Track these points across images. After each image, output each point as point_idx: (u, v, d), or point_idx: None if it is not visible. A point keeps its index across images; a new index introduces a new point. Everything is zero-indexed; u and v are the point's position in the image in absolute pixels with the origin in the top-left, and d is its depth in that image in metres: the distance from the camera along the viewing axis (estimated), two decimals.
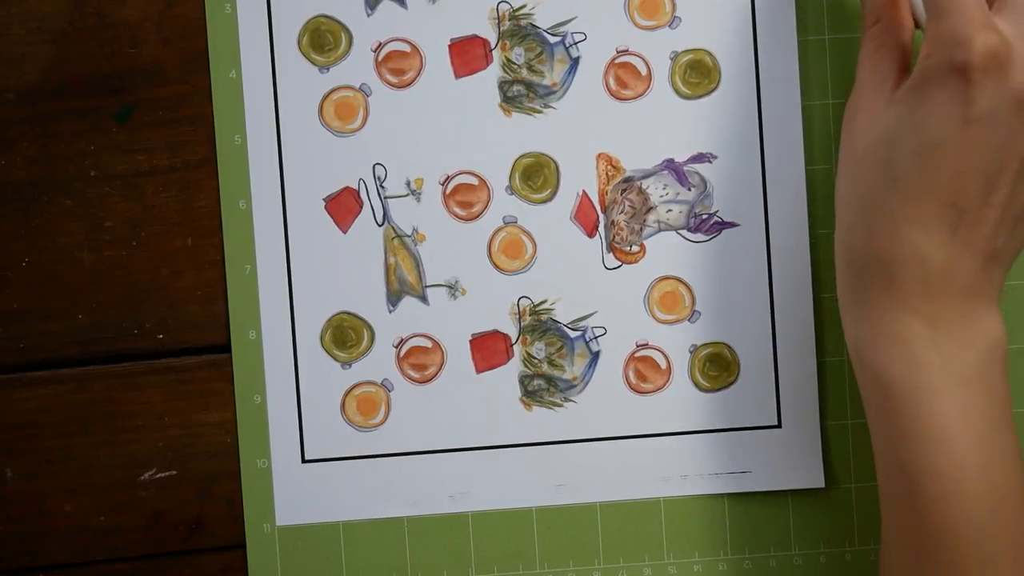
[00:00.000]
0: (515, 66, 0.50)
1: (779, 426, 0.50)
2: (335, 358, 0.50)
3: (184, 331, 0.51)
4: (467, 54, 0.50)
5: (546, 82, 0.50)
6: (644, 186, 0.50)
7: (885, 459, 0.44)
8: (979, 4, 0.42)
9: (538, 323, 0.51)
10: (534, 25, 0.50)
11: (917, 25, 0.46)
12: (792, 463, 0.50)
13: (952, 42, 0.41)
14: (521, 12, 0.50)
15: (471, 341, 0.51)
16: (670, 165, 0.50)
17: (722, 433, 0.50)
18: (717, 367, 0.50)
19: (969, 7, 0.41)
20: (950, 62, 0.41)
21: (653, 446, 0.51)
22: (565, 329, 0.51)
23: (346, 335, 0.50)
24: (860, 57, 0.46)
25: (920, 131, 0.42)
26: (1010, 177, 0.42)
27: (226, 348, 0.51)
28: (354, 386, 0.51)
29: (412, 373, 0.51)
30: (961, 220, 0.42)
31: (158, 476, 0.51)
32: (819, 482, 0.50)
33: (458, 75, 0.50)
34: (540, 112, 0.50)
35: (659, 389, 0.51)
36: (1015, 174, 0.42)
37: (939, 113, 0.42)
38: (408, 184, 0.50)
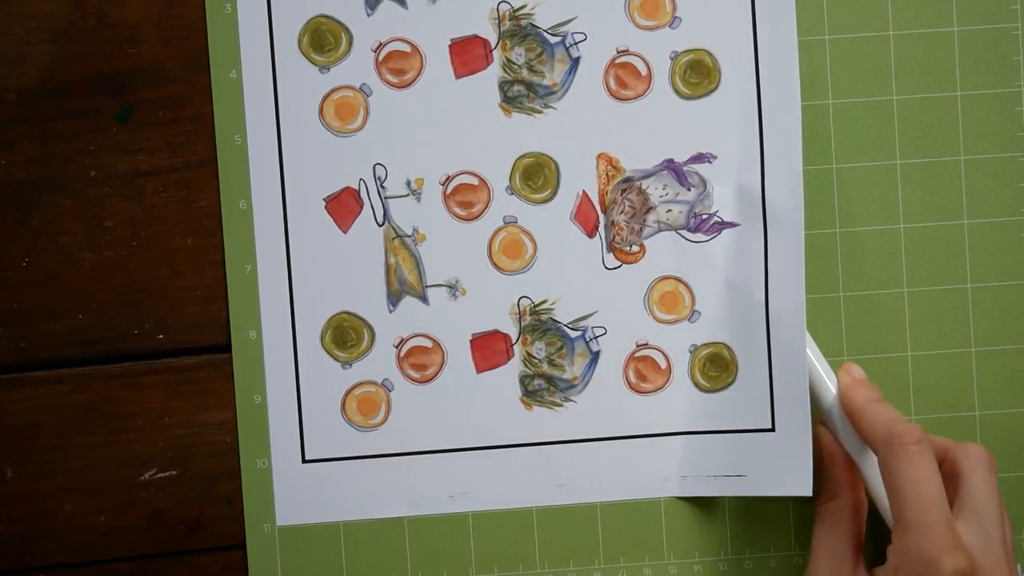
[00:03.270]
0: (515, 66, 0.50)
1: (773, 430, 0.50)
2: (335, 358, 0.50)
3: (184, 331, 0.51)
4: (467, 54, 0.50)
5: (546, 82, 0.50)
6: (644, 186, 0.50)
7: None
8: (945, 520, 0.43)
9: (538, 323, 0.51)
10: (534, 25, 0.50)
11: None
12: (783, 468, 0.49)
13: (921, 562, 0.43)
14: (521, 12, 0.50)
15: (471, 341, 0.51)
16: (670, 165, 0.50)
17: (720, 435, 0.50)
18: (717, 367, 0.50)
19: (937, 526, 0.43)
20: None
21: (653, 446, 0.51)
22: (565, 329, 0.51)
23: (346, 335, 0.50)
24: (815, 533, 0.48)
25: None
26: None
27: (226, 348, 0.51)
28: (354, 386, 0.51)
29: (412, 373, 0.51)
30: None
31: (158, 476, 0.51)
32: (807, 490, 0.49)
33: (458, 75, 0.50)
34: (540, 112, 0.50)
35: (659, 389, 0.51)
36: None
37: None
38: (408, 184, 0.50)
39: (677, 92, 0.50)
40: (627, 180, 0.50)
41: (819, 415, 0.49)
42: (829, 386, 0.48)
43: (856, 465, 0.48)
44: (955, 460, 0.47)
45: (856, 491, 0.48)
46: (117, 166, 0.50)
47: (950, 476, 0.46)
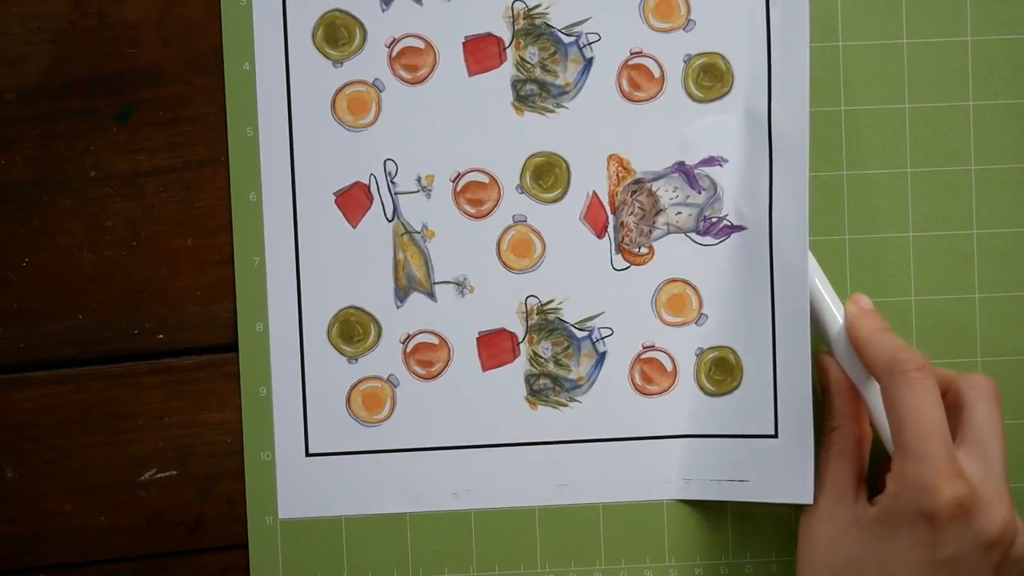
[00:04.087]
0: (528, 65, 0.50)
1: (775, 436, 0.50)
2: (342, 352, 0.50)
3: (184, 331, 0.51)
4: (481, 52, 0.50)
5: (559, 82, 0.50)
6: (654, 188, 0.50)
7: None
8: (946, 448, 0.43)
9: (545, 322, 0.51)
10: (548, 24, 0.50)
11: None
12: (785, 475, 0.49)
13: (920, 488, 0.43)
14: (536, 11, 0.50)
15: (478, 339, 0.51)
16: (681, 168, 0.50)
17: (724, 439, 0.50)
18: (722, 371, 0.50)
19: (937, 453, 0.43)
20: (918, 507, 0.43)
21: (657, 448, 0.51)
22: (572, 329, 0.51)
23: (353, 330, 0.50)
24: (819, 460, 0.48)
25: (886, 566, 0.44)
26: None
27: (226, 347, 0.51)
28: (360, 381, 0.51)
29: (418, 369, 0.51)
30: None
31: (158, 476, 0.51)
32: (808, 498, 0.48)
33: (471, 73, 0.50)
34: (552, 112, 0.50)
35: (665, 391, 0.51)
36: None
37: (906, 553, 0.44)
38: (419, 180, 0.50)
39: (690, 95, 0.50)
40: (637, 182, 0.50)
41: (825, 345, 0.49)
42: (836, 316, 0.48)
43: (861, 395, 0.48)
44: (959, 390, 0.47)
45: (860, 422, 0.48)
46: (117, 166, 0.50)
47: (953, 406, 0.46)
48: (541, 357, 0.51)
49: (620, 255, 0.51)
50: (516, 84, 0.50)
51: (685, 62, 0.50)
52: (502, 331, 0.51)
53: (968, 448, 0.45)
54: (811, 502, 0.48)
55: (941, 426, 0.44)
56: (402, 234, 0.50)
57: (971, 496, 0.43)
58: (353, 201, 0.50)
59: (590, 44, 0.50)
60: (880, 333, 0.47)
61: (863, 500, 0.47)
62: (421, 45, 0.50)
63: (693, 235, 0.50)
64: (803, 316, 0.48)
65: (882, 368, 0.45)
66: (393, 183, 0.50)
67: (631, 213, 0.51)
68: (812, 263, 0.49)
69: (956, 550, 0.43)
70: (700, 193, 0.50)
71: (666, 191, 0.50)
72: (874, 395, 0.47)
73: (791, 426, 0.49)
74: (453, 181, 0.50)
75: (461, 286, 0.51)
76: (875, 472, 0.49)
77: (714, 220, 0.50)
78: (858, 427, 0.48)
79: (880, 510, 0.45)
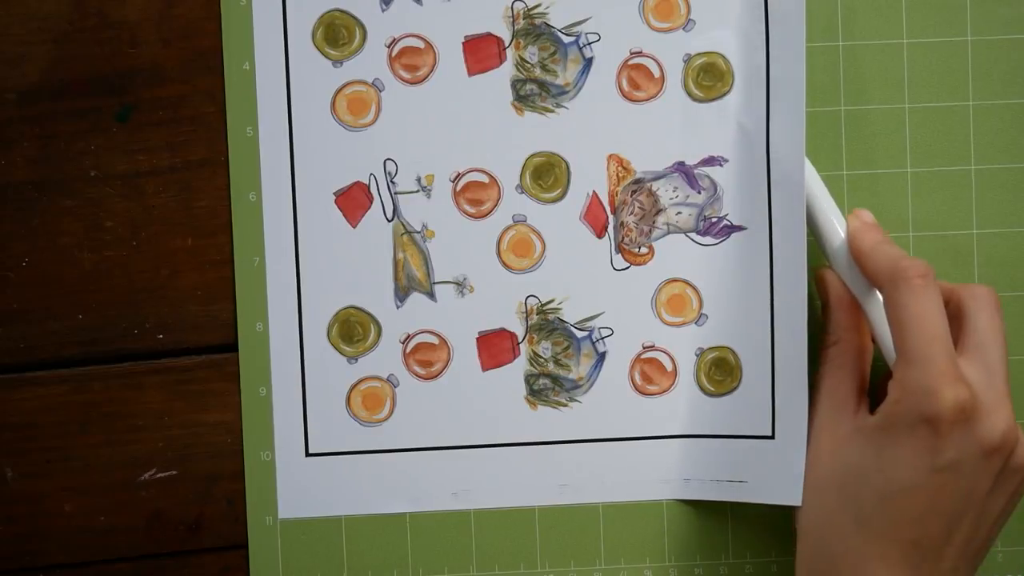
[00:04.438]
0: (528, 65, 0.50)
1: (772, 437, 0.49)
2: (342, 352, 0.50)
3: (184, 331, 0.51)
4: (481, 52, 0.50)
5: (559, 82, 0.50)
6: (654, 188, 0.50)
7: None
8: (948, 353, 0.43)
9: (545, 322, 0.51)
10: (548, 24, 0.50)
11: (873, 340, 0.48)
12: (779, 477, 0.49)
13: (921, 393, 0.43)
14: (536, 11, 0.50)
15: (478, 339, 0.51)
16: (681, 168, 0.50)
17: (723, 440, 0.50)
18: (722, 371, 0.50)
19: (939, 358, 0.43)
20: (919, 412, 0.43)
21: (657, 448, 0.51)
22: (572, 329, 0.51)
23: (353, 330, 0.50)
24: (819, 374, 0.48)
25: (887, 473, 0.44)
26: (972, 518, 0.44)
27: (226, 347, 0.51)
28: (360, 381, 0.51)
29: (418, 369, 0.51)
30: (924, 558, 0.44)
31: (158, 476, 0.51)
32: (796, 500, 0.48)
33: (471, 72, 0.50)
34: (552, 112, 0.50)
35: (664, 391, 0.51)
36: (976, 515, 0.44)
37: (907, 459, 0.44)
38: (418, 180, 0.50)
39: (690, 95, 0.50)
40: (637, 181, 0.50)
41: (826, 260, 0.48)
42: (838, 229, 0.48)
43: (862, 308, 0.47)
44: (960, 300, 0.46)
45: (861, 335, 0.48)
46: (117, 166, 0.50)
47: (955, 317, 0.46)
48: (541, 357, 0.51)
49: (620, 255, 0.51)
50: (516, 84, 0.50)
51: (685, 62, 0.50)
52: (502, 331, 0.51)
53: (970, 356, 0.45)
54: (799, 504, 0.48)
55: (943, 332, 0.43)
56: (402, 234, 0.50)
57: (973, 401, 0.43)
58: (353, 201, 0.50)
59: (590, 44, 0.50)
60: (882, 244, 0.46)
61: (864, 411, 0.47)
62: (421, 45, 0.50)
63: (693, 235, 0.50)
64: (801, 317, 0.48)
65: (885, 276, 0.45)
66: (393, 183, 0.50)
67: (631, 213, 0.51)
68: (814, 177, 0.48)
69: (957, 455, 0.43)
70: (700, 193, 0.50)
71: (666, 191, 0.50)
72: (875, 308, 0.47)
73: (788, 427, 0.49)
74: (453, 181, 0.50)
75: (461, 286, 0.51)
76: (876, 394, 0.48)
77: (714, 220, 0.50)
78: (859, 340, 0.48)
79: (881, 417, 0.45)
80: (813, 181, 0.48)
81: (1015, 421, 0.44)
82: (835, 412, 0.47)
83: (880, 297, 0.46)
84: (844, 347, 0.48)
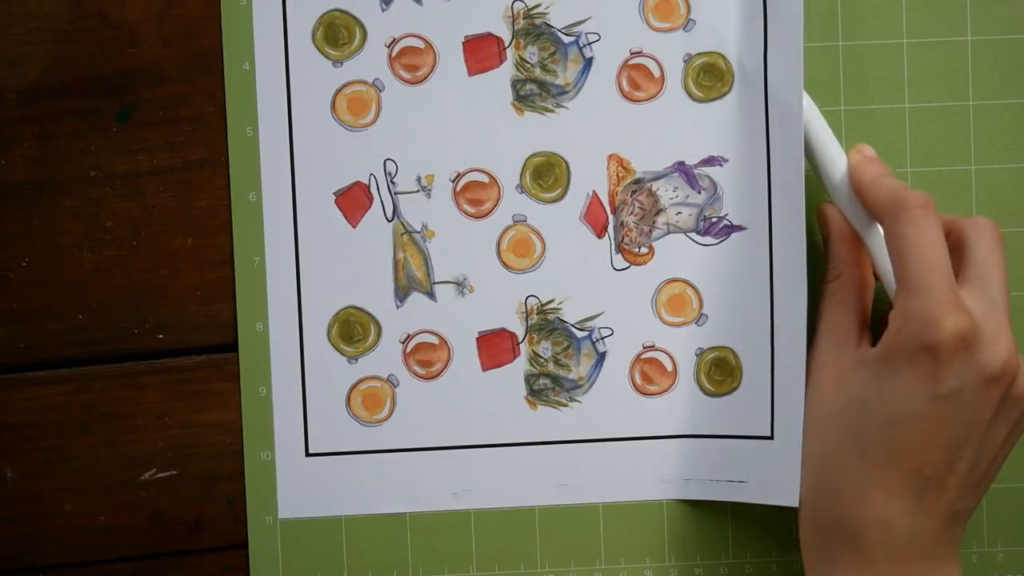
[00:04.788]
0: (528, 65, 0.50)
1: (771, 437, 0.49)
2: (342, 352, 0.50)
3: (184, 331, 0.51)
4: (481, 52, 0.50)
5: (559, 82, 0.50)
6: (654, 188, 0.50)
7: None
8: (948, 282, 0.43)
9: (545, 322, 0.51)
10: (548, 24, 0.50)
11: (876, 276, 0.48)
12: (778, 478, 0.49)
13: (922, 321, 0.43)
14: (536, 11, 0.50)
15: (478, 339, 0.51)
16: (681, 167, 0.50)
17: (723, 440, 0.50)
18: (722, 372, 0.50)
19: (939, 287, 0.43)
20: (920, 341, 0.43)
21: (657, 448, 0.51)
22: (572, 329, 0.51)
23: (353, 330, 0.50)
24: (821, 309, 0.48)
25: (889, 403, 0.44)
26: (973, 447, 0.44)
27: (226, 347, 0.51)
28: (360, 381, 0.51)
29: (418, 369, 0.51)
30: (926, 487, 0.44)
31: (158, 476, 0.51)
32: (793, 501, 0.48)
33: (471, 72, 0.50)
34: (552, 112, 0.50)
35: (664, 391, 0.51)
36: (978, 444, 0.44)
37: (908, 388, 0.43)
38: (419, 180, 0.50)
39: (690, 95, 0.50)
40: (637, 181, 0.50)
41: (827, 194, 0.48)
42: (838, 163, 0.48)
43: (863, 242, 0.47)
44: (961, 231, 0.46)
45: (863, 269, 0.48)
46: (117, 166, 0.50)
47: (956, 248, 0.46)
48: (541, 357, 0.51)
49: (620, 255, 0.51)
50: (516, 84, 0.50)
51: (685, 62, 0.50)
52: (502, 331, 0.51)
53: (971, 285, 0.45)
54: (796, 505, 0.48)
55: (944, 261, 0.43)
56: (402, 234, 0.50)
57: (973, 329, 0.43)
58: (353, 201, 0.50)
59: (590, 44, 0.50)
60: (883, 176, 0.46)
61: (866, 344, 0.47)
62: (421, 45, 0.50)
63: (693, 235, 0.50)
64: (801, 317, 0.48)
65: (885, 208, 0.45)
66: (393, 183, 0.50)
67: (631, 213, 0.51)
68: (814, 112, 0.48)
69: (958, 384, 0.43)
70: (700, 193, 0.50)
71: (666, 191, 0.50)
72: (876, 241, 0.47)
73: (787, 428, 0.49)
74: (453, 181, 0.50)
75: (461, 286, 0.51)
76: (878, 331, 0.48)
77: (714, 220, 0.50)
78: (860, 274, 0.48)
79: (882, 348, 0.45)
80: (813, 116, 0.48)
81: (1016, 350, 0.44)
82: (837, 346, 0.47)
83: (881, 230, 0.46)
84: (845, 280, 0.47)
